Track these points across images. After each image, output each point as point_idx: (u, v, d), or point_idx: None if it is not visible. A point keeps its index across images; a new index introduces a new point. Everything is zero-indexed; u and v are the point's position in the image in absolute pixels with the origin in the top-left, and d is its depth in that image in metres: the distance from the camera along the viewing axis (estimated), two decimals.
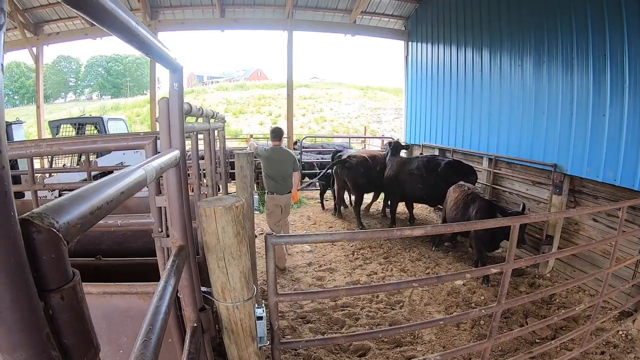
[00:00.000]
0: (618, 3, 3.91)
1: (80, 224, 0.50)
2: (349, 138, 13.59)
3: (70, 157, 6.78)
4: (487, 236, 4.57)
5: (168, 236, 1.55)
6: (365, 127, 21.79)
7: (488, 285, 4.49)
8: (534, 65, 5.26)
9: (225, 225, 1.45)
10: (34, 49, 8.19)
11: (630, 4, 3.78)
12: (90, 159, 4.17)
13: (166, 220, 1.55)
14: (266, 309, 1.74)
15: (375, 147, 14.78)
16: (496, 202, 5.19)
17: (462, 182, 5.43)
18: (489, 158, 6.42)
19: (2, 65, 0.39)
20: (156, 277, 2.27)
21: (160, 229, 1.58)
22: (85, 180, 4.17)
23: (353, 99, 30.71)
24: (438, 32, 8.02)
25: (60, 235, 0.45)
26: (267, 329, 1.75)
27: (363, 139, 15.52)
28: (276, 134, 4.81)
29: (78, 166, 6.12)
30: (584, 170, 4.44)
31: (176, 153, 1.24)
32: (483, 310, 2.39)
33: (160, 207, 1.55)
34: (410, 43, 9.50)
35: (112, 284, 1.65)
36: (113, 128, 7.38)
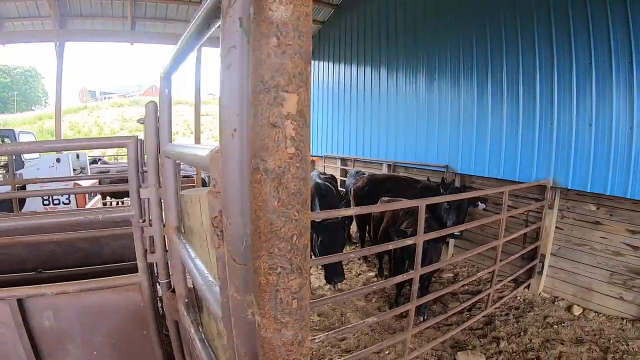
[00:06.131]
0: (499, 33, 4.91)
1: None
2: None
3: None
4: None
5: (151, 225, 1.69)
6: None
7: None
8: (427, 81, 6.22)
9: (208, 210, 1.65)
10: None
11: (509, 35, 4.80)
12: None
13: (149, 211, 1.69)
14: None
15: None
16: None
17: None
18: (388, 164, 7.26)
19: None
20: None
21: (142, 219, 1.71)
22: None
23: None
24: (339, 52, 8.81)
25: None
26: None
27: None
28: None
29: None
30: (472, 169, 5.41)
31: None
32: (405, 276, 2.90)
33: (143, 199, 1.68)
34: (312, 61, 10.17)
35: (92, 280, 1.70)
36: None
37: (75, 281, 1.69)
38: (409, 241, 2.84)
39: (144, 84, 42.52)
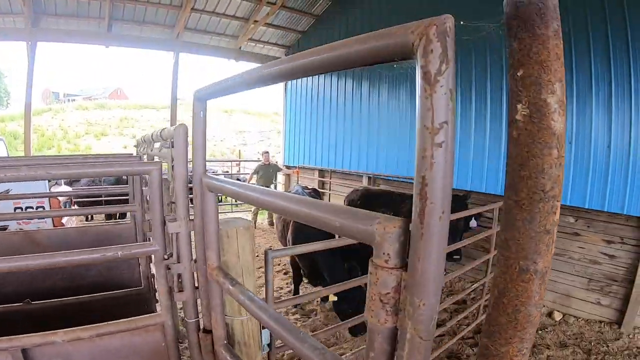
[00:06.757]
0: (483, 49, 4.99)
1: None
2: (230, 162, 13.37)
3: None
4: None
5: (179, 262, 1.51)
6: (239, 150, 21.62)
7: None
8: (410, 95, 6.24)
9: (245, 244, 1.50)
10: None
11: (493, 51, 4.88)
12: None
13: (177, 246, 1.50)
14: None
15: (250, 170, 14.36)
16: None
17: None
18: (368, 176, 7.20)
19: None
20: (102, 316, 2.12)
21: (166, 256, 1.52)
22: None
23: (218, 121, 30.02)
24: None
25: None
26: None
27: (238, 163, 15.09)
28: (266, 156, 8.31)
29: None
30: (455, 183, 5.38)
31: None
32: None
33: (171, 234, 1.50)
34: None
35: (109, 323, 1.47)
36: None
37: (90, 325, 1.46)
38: None
39: (108, 86, 40.33)
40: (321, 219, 0.67)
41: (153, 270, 2.93)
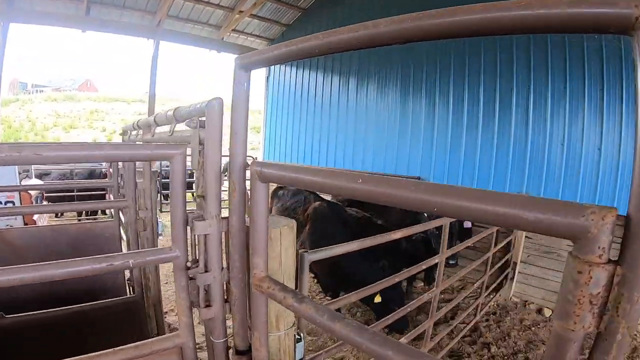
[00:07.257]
0: (477, 52, 4.89)
1: None
2: None
3: None
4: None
5: (207, 271, 1.19)
6: None
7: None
8: (400, 94, 6.06)
9: (288, 247, 1.22)
10: None
11: (487, 56, 4.78)
12: None
13: (205, 252, 1.18)
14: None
15: None
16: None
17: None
18: None
19: None
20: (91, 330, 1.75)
21: (190, 263, 1.20)
22: None
23: None
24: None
25: None
26: None
27: None
28: None
29: None
30: (445, 181, 5.33)
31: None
32: (429, 294, 2.65)
33: (198, 236, 1.18)
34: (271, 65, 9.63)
35: (116, 349, 1.12)
36: None
37: (91, 355, 1.11)
38: (435, 259, 2.59)
39: (77, 78, 37.97)
40: (503, 214, 0.52)
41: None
